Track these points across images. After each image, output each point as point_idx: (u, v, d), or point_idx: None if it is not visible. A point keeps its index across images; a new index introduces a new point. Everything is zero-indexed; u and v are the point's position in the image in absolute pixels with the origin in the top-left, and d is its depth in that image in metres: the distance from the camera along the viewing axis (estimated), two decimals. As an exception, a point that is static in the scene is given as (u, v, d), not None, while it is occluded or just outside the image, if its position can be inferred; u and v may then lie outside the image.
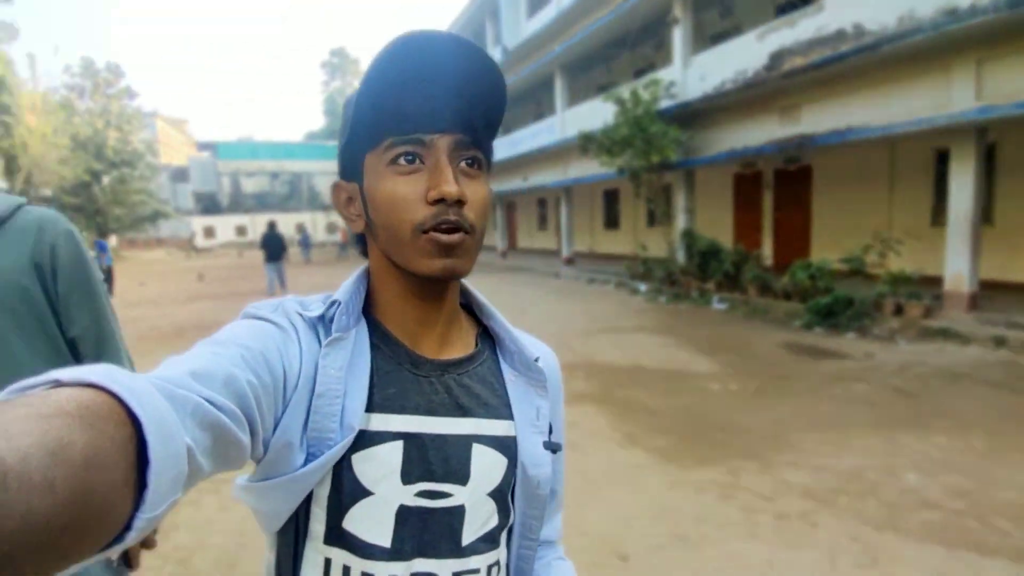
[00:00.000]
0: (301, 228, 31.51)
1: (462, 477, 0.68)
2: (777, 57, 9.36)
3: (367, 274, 0.73)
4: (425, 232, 0.62)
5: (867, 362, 6.27)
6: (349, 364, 0.64)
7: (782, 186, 12.99)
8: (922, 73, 7.55)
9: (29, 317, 1.07)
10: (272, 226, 13.80)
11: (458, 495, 0.68)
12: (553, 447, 0.76)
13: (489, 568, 0.71)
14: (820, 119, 9.14)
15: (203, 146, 54.17)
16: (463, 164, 0.64)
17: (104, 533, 0.36)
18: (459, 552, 0.69)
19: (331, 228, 44.89)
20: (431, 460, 0.67)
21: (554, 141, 16.73)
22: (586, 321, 9.21)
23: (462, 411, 0.70)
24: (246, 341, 0.57)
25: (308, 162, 48.91)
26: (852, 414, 4.69)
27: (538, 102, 21.64)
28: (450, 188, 0.61)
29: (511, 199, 25.27)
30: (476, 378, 0.73)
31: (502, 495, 0.72)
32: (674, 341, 7.55)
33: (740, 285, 10.27)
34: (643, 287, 12.21)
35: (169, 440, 0.40)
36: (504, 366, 0.76)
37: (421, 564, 0.66)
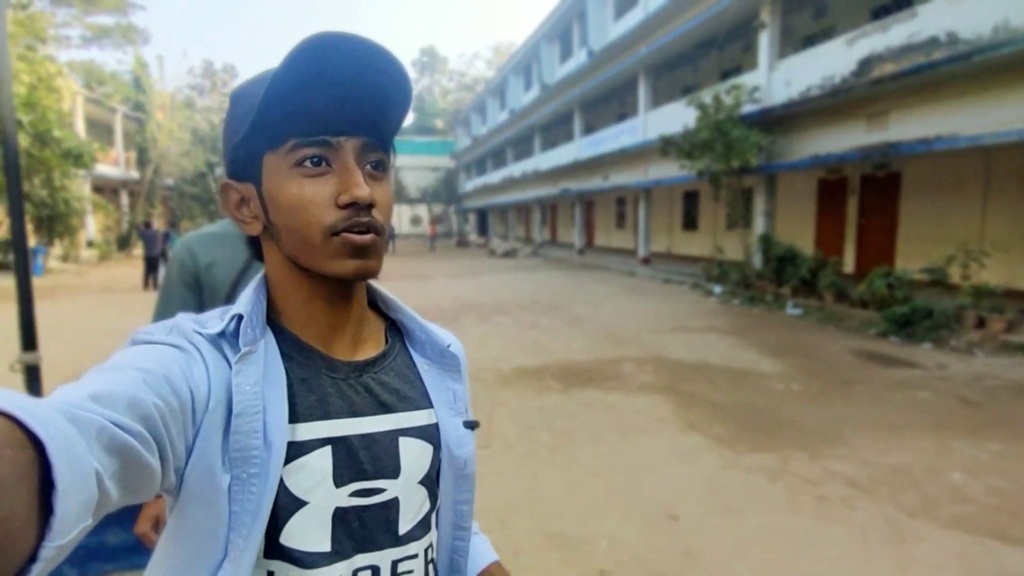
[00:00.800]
0: (436, 219, 32.93)
1: (393, 471, 0.69)
2: (866, 63, 9.29)
3: (265, 282, 0.69)
4: (336, 234, 0.62)
5: (938, 372, 6.33)
6: (264, 378, 0.62)
7: (869, 192, 12.70)
8: (1016, 83, 7.39)
9: None
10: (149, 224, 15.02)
11: (391, 488, 0.69)
12: (471, 425, 0.79)
13: (425, 551, 0.73)
14: (908, 127, 9.02)
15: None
16: (369, 167, 0.65)
17: (6, 565, 0.33)
18: (397, 541, 0.70)
19: (415, 220, 46.75)
20: (361, 460, 0.67)
21: (636, 142, 16.97)
22: (658, 319, 9.56)
23: (384, 408, 0.70)
24: (145, 364, 0.54)
25: (396, 157, 50.87)
26: (910, 418, 4.89)
27: (621, 103, 21.86)
28: (362, 192, 0.61)
29: (590, 198, 25.60)
30: (392, 373, 0.73)
31: (431, 481, 0.73)
32: (743, 343, 7.80)
33: (816, 291, 10.27)
34: (718, 289, 12.35)
35: (76, 463, 0.38)
36: (416, 356, 0.77)
37: (362, 559, 0.67)
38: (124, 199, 27.16)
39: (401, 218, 46.32)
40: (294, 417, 0.63)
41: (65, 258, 19.86)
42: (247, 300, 0.66)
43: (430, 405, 0.74)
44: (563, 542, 3.07)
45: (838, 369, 6.48)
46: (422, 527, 0.72)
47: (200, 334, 0.62)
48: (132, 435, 0.46)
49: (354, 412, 0.67)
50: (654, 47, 15.69)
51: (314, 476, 0.64)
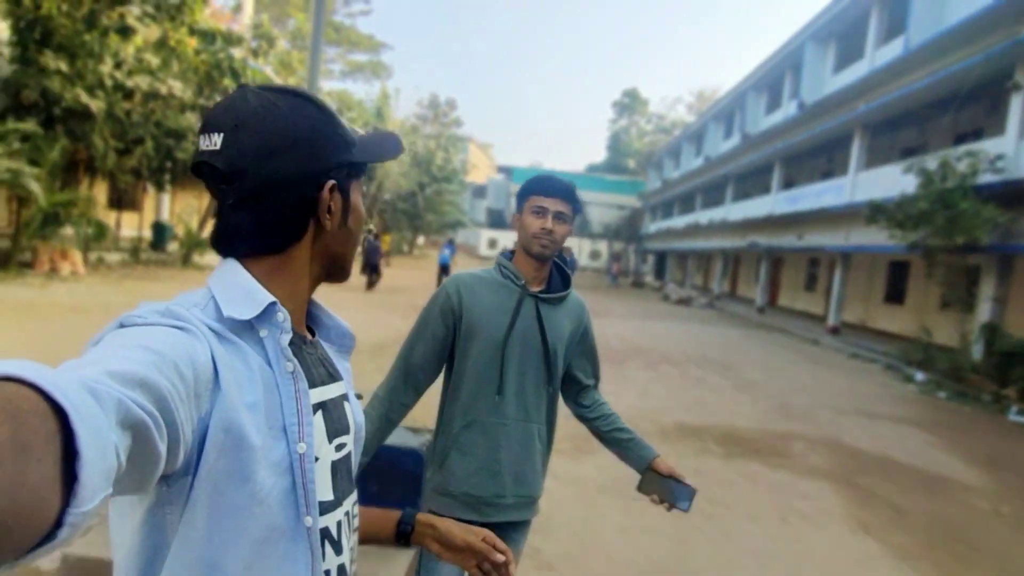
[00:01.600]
0: (567, 250, 33.98)
1: (347, 428, 0.84)
2: None
3: (242, 267, 0.75)
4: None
5: None
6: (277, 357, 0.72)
7: None
8: None
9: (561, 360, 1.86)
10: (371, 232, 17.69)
11: (348, 443, 0.84)
12: (358, 395, 0.97)
13: (357, 494, 0.88)
14: None
15: (501, 169, 62.05)
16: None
17: (33, 529, 0.34)
18: (352, 487, 0.85)
19: (594, 255, 47.46)
20: (335, 419, 0.81)
21: (840, 203, 15.80)
22: (840, 398, 8.85)
23: (332, 377, 0.84)
24: (154, 346, 0.56)
25: (584, 192, 52.11)
26: None
27: (828, 159, 20.40)
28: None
29: (779, 255, 24.09)
30: (321, 349, 0.86)
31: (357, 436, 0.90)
32: (942, 443, 6.97)
33: (1052, 400, 8.74)
34: (919, 376, 11.00)
35: (97, 433, 0.39)
36: (320, 338, 0.88)
37: (345, 505, 0.81)
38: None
39: (582, 251, 47.38)
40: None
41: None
42: (260, 289, 0.72)
43: (341, 377, 0.87)
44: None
45: (1063, 498, 5.54)
46: (357, 473, 0.89)
47: (204, 320, 0.67)
48: (147, 414, 0.47)
49: (322, 380, 0.80)
50: (876, 104, 14.58)
51: (319, 435, 0.75)
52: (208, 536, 0.65)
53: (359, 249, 1.26)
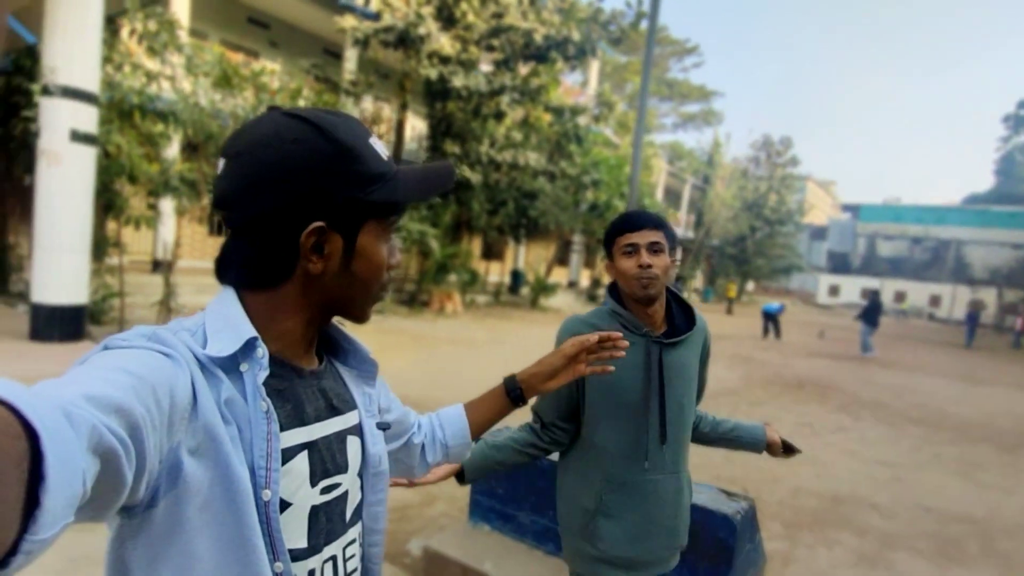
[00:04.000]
0: (977, 304, 27.53)
1: (344, 466, 0.79)
2: None
3: (238, 303, 0.72)
4: (382, 291, 0.80)
5: None
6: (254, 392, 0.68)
7: None
8: None
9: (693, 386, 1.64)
10: (876, 295, 15.86)
11: (343, 482, 0.79)
12: (382, 426, 0.89)
13: (359, 536, 0.84)
14: None
15: (846, 208, 55.03)
16: None
17: None
18: (345, 528, 0.80)
19: (976, 305, 38.00)
20: (325, 459, 0.76)
21: None
22: None
23: (335, 410, 0.79)
24: (135, 370, 0.54)
25: (960, 228, 42.72)
26: None
27: None
28: (397, 260, 0.82)
29: None
30: (330, 378, 0.82)
31: (362, 472, 0.85)
32: None
33: None
34: None
35: (67, 459, 0.38)
36: (338, 364, 0.86)
37: (328, 550, 0.76)
38: (679, 255, 32.02)
39: (956, 300, 38.38)
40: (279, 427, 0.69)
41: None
42: (244, 322, 0.69)
43: (355, 406, 0.84)
44: None
45: None
46: (356, 514, 0.83)
47: (202, 356, 0.65)
48: (118, 440, 0.46)
49: (318, 417, 0.76)
50: None
51: (297, 479, 0.71)
52: (176, 573, 0.62)
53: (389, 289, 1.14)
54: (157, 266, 12.30)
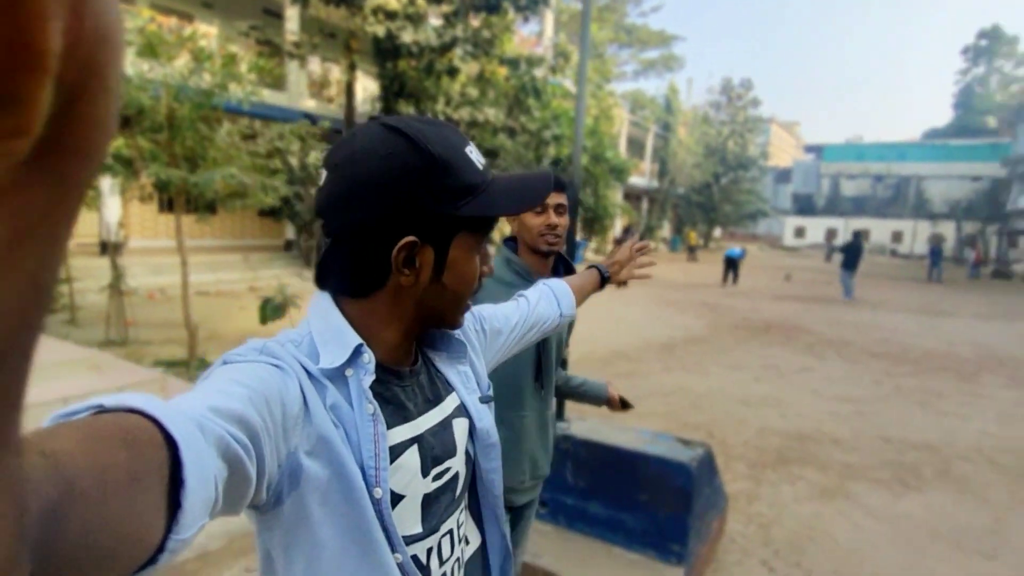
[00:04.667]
0: (936, 238, 28.20)
1: (453, 450, 0.83)
2: None
3: (339, 312, 0.76)
4: (472, 298, 0.85)
5: None
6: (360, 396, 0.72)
7: None
8: None
9: None
10: (857, 236, 15.40)
11: (453, 465, 0.83)
12: (486, 399, 0.92)
13: (467, 507, 0.89)
14: None
15: (809, 149, 55.52)
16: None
17: (140, 552, 0.37)
18: (457, 505, 0.84)
19: (935, 239, 39.09)
20: (435, 448, 0.79)
21: None
22: None
23: (436, 400, 0.83)
24: (249, 383, 0.59)
25: (920, 164, 43.46)
26: None
27: None
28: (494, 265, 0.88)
29: None
30: (425, 370, 0.85)
31: (470, 449, 0.89)
32: None
33: None
34: None
35: (202, 465, 0.43)
36: (428, 350, 0.89)
37: (444, 527, 0.81)
38: (644, 205, 32.02)
39: (917, 236, 39.38)
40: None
41: (596, 251, 24.92)
42: (349, 331, 0.74)
43: (452, 389, 0.87)
44: None
45: None
46: (465, 488, 0.87)
47: (298, 357, 0.70)
48: (242, 447, 0.52)
49: (420, 411, 0.79)
50: None
51: (408, 473, 0.75)
52: (309, 563, 0.69)
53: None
54: (105, 248, 11.80)
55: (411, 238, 0.72)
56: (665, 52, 30.11)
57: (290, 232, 16.24)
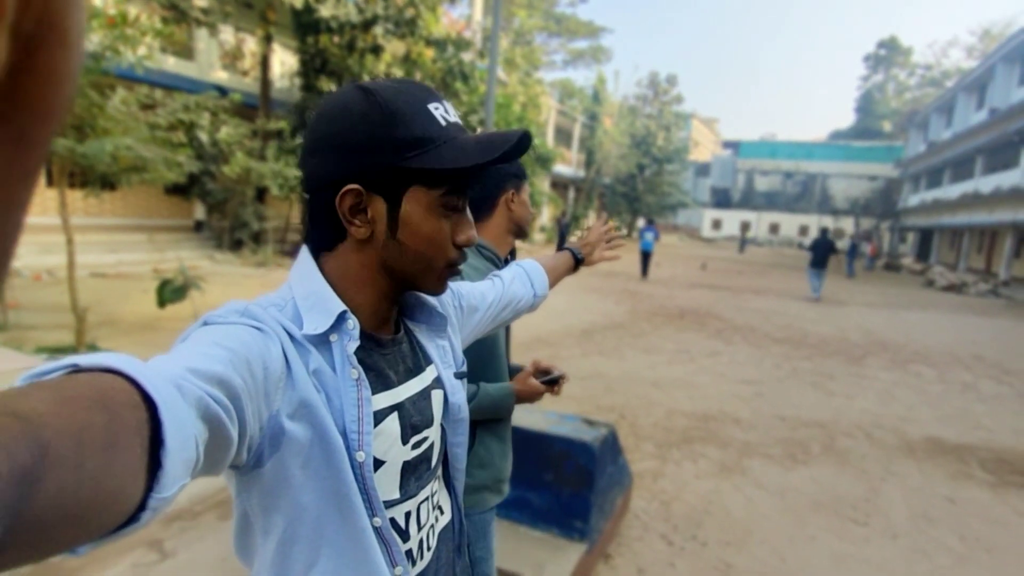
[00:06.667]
0: (833, 232, 30.06)
1: (430, 420, 0.84)
2: None
3: (320, 275, 0.76)
4: (449, 267, 0.79)
5: None
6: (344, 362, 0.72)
7: None
8: None
9: None
10: (825, 232, 14.84)
11: (430, 435, 0.84)
12: (461, 375, 0.93)
13: (440, 477, 0.91)
14: None
15: (727, 144, 58.01)
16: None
17: (119, 511, 0.37)
18: (433, 475, 0.86)
19: (837, 234, 42.02)
20: (414, 416, 0.81)
21: None
22: None
23: (417, 370, 0.84)
24: (229, 344, 0.59)
25: (825, 163, 46.57)
26: None
27: None
28: (475, 236, 0.80)
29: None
30: (407, 340, 0.86)
31: (443, 421, 0.90)
32: None
33: None
34: None
35: (181, 426, 0.43)
36: (408, 321, 0.89)
37: (422, 494, 0.83)
38: (571, 194, 32.47)
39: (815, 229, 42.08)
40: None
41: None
42: (333, 298, 0.73)
43: (431, 361, 0.88)
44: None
45: None
46: (440, 458, 0.89)
47: (280, 320, 0.69)
48: (222, 408, 0.51)
49: (401, 380, 0.80)
50: None
51: (388, 439, 0.76)
52: (288, 524, 0.70)
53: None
54: (-15, 225, 10.67)
55: (354, 186, 0.72)
56: (593, 43, 30.61)
57: (200, 212, 15.34)
